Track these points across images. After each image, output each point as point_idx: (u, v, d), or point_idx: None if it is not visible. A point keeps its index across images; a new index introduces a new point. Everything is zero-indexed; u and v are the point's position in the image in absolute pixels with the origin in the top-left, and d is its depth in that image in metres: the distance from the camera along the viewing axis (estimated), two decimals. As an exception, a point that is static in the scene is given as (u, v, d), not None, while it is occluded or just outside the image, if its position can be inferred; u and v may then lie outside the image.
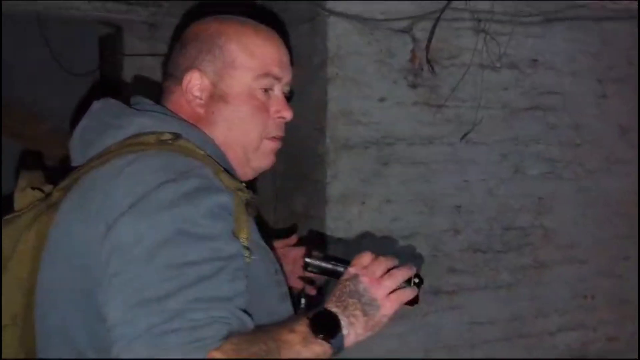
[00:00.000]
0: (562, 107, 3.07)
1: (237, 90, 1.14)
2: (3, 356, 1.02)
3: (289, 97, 1.26)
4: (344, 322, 1.02)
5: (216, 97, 1.14)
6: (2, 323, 1.01)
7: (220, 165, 1.11)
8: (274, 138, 1.21)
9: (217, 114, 1.14)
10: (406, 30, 2.72)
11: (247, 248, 1.04)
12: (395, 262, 1.12)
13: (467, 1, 2.74)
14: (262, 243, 1.16)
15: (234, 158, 1.20)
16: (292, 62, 1.22)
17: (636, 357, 3.19)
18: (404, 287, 1.10)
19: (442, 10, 2.61)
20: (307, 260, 1.15)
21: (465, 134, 2.79)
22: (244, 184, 1.15)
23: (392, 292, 1.08)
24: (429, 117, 2.78)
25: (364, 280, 1.06)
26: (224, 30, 1.16)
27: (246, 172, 1.24)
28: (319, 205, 2.69)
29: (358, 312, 1.04)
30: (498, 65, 2.85)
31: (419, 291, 1.12)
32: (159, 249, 0.93)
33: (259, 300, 1.09)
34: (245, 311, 0.98)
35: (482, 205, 2.93)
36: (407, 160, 2.76)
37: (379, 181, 2.71)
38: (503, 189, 2.98)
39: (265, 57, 1.15)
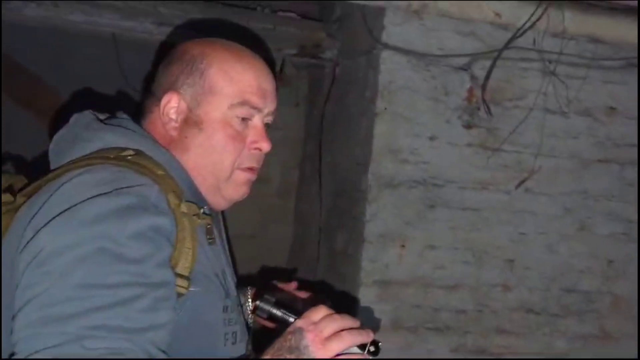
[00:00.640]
0: (642, 162, 2.77)
1: (212, 117, 1.08)
2: None
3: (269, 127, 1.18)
4: None
5: (191, 122, 1.09)
6: None
7: (183, 189, 1.04)
8: (248, 169, 1.13)
9: (190, 139, 1.09)
10: (465, 68, 2.57)
11: (187, 278, 0.95)
12: (353, 323, 0.99)
13: (536, 40, 2.56)
14: (214, 276, 1.06)
15: (205, 185, 1.11)
16: (277, 92, 1.15)
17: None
18: (356, 352, 0.97)
19: (503, 49, 2.45)
20: (257, 303, 1.04)
21: (522, 182, 2.57)
22: (204, 210, 1.06)
23: (338, 355, 0.96)
24: (483, 161, 2.59)
25: (309, 337, 0.96)
26: (208, 53, 1.10)
27: (218, 202, 1.15)
28: (357, 244, 2.56)
29: None
30: (567, 110, 2.62)
31: None
32: (75, 266, 0.86)
33: (199, 336, 1.01)
34: (165, 345, 0.90)
35: (539, 261, 2.67)
36: (456, 204, 2.58)
37: (422, 224, 2.54)
38: (565, 246, 2.71)
39: (245, 85, 1.09)
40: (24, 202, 1.03)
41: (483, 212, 2.61)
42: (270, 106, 1.13)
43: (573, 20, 2.46)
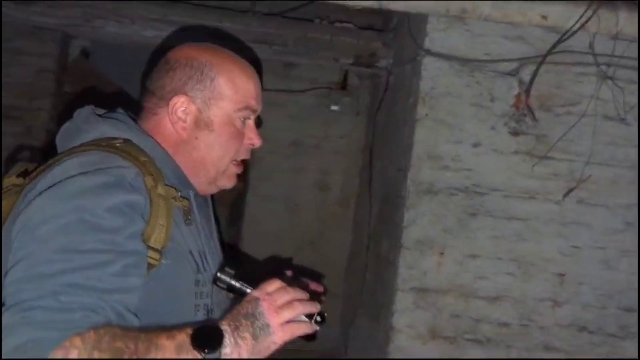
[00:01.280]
0: None
1: (220, 118, 1.22)
2: None
3: (258, 124, 1.29)
4: (229, 341, 1.01)
5: (202, 123, 1.22)
6: None
7: (167, 174, 1.15)
8: (240, 162, 1.27)
9: (200, 139, 1.22)
10: (512, 73, 2.50)
11: (158, 251, 1.06)
12: (303, 295, 1.08)
13: (591, 44, 2.44)
14: (188, 253, 1.15)
15: (206, 177, 1.25)
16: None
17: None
18: (304, 321, 1.05)
19: (547, 53, 2.36)
20: (218, 274, 1.13)
21: (569, 191, 2.44)
22: (181, 194, 1.16)
23: (288, 322, 1.04)
24: (531, 169, 2.49)
25: (264, 305, 1.05)
26: (217, 63, 1.24)
27: (211, 189, 1.29)
28: (395, 250, 2.55)
29: (247, 335, 1.03)
30: (625, 117, 2.46)
31: (318, 329, 1.07)
32: (57, 233, 0.99)
33: (169, 304, 1.10)
34: (135, 309, 1.01)
35: (594, 277, 2.51)
36: (500, 213, 2.50)
37: (463, 233, 2.49)
38: (625, 262, 2.53)
39: (247, 92, 1.24)
40: (29, 182, 1.18)
41: (530, 222, 2.50)
42: (260, 107, 1.28)
43: (629, 21, 2.32)
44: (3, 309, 0.96)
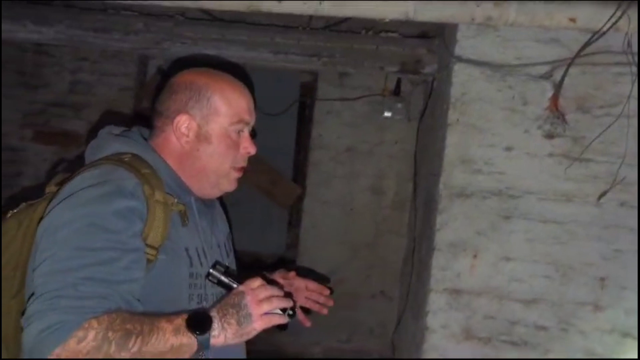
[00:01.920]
0: None
1: (217, 132, 1.42)
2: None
3: (253, 135, 1.47)
4: (217, 325, 1.22)
5: (202, 137, 1.42)
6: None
7: (168, 182, 1.37)
8: (240, 168, 1.46)
9: (201, 151, 1.43)
10: (546, 77, 2.50)
11: (155, 248, 1.27)
12: (279, 292, 1.29)
13: (630, 43, 2.38)
14: (183, 250, 1.34)
15: (208, 182, 1.46)
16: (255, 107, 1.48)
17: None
18: (278, 313, 1.26)
19: (576, 55, 2.34)
20: (210, 270, 1.31)
21: (603, 193, 2.39)
22: (178, 200, 1.36)
23: (266, 313, 1.25)
24: (567, 171, 2.47)
25: (248, 298, 1.25)
26: (212, 85, 1.44)
27: (214, 192, 1.49)
28: (428, 252, 2.62)
29: (233, 321, 1.23)
30: (665, 117, 2.38)
31: (289, 321, 1.28)
32: (73, 235, 1.21)
33: (165, 292, 1.31)
34: (139, 296, 1.23)
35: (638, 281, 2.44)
36: (534, 216, 2.50)
37: (497, 235, 2.52)
38: (673, 266, 2.44)
39: (239, 108, 1.44)
40: (57, 190, 1.43)
41: (567, 226, 2.48)
42: (253, 119, 1.48)
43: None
44: (33, 297, 1.20)
